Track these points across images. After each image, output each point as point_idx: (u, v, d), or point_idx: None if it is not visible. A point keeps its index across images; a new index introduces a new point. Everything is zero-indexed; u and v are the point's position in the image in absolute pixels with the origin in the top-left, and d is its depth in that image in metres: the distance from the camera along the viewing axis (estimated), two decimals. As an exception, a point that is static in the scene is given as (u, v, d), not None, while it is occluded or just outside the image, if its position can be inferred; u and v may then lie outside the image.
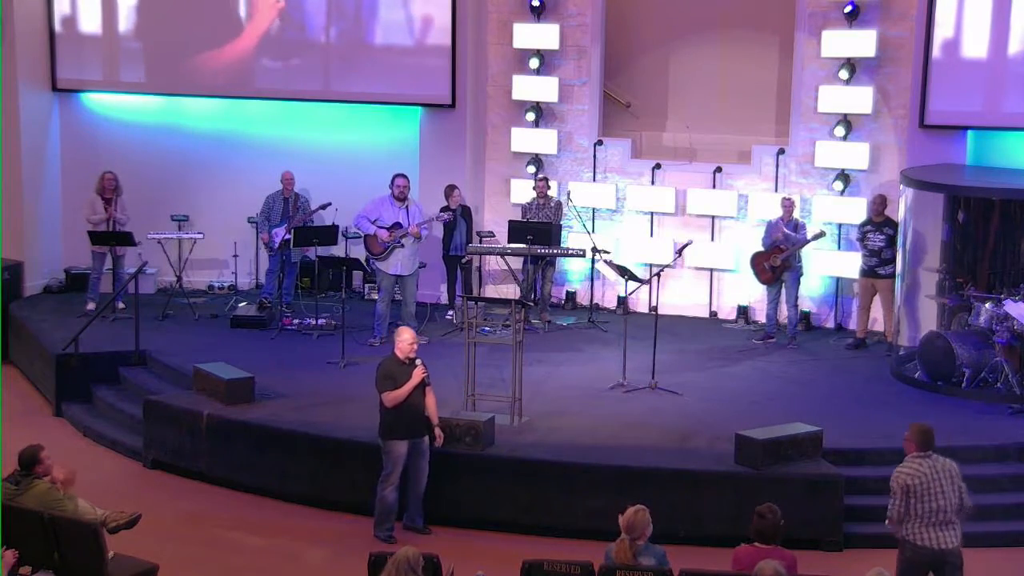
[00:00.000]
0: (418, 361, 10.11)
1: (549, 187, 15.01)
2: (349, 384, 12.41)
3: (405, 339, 10.08)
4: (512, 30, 15.56)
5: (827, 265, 14.76)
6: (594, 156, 15.65)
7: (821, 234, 13.88)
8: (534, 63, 15.52)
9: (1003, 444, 10.96)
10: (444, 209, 14.60)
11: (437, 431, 10.19)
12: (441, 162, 15.60)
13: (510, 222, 14.77)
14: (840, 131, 14.44)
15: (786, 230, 13.86)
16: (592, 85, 15.62)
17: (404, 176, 13.94)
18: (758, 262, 14.05)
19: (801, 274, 14.06)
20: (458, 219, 14.81)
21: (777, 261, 13.84)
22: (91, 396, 13.13)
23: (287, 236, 14.84)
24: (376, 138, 16.12)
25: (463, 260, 14.98)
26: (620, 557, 7.66)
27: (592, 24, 15.47)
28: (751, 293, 14.89)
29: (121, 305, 14.78)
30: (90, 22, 16.23)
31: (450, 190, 14.89)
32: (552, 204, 14.91)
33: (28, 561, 7.95)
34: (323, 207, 14.88)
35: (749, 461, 10.15)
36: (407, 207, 13.84)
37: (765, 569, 7.03)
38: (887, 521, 8.54)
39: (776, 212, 14.13)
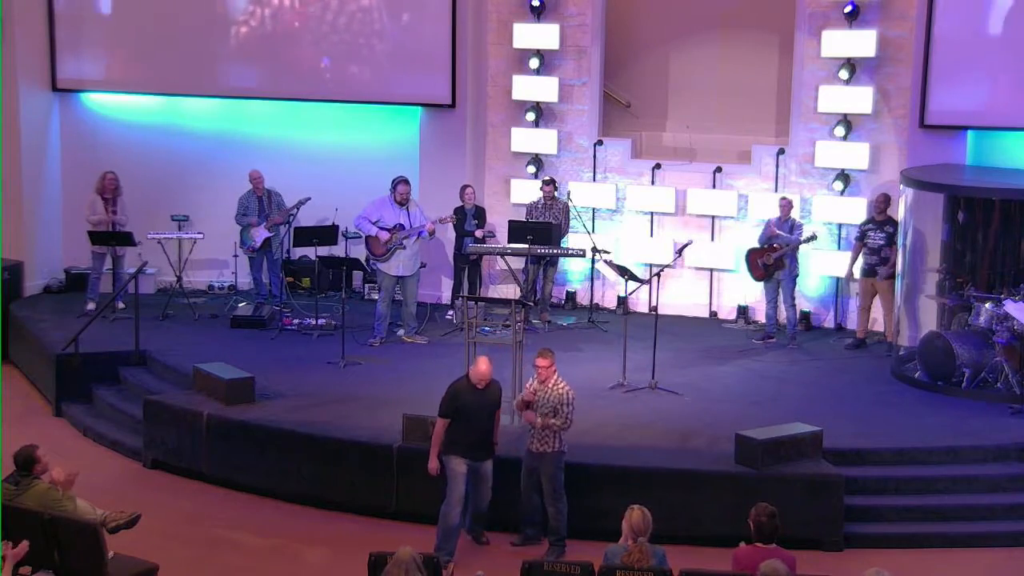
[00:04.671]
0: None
1: (556, 189, 15.01)
2: (349, 384, 12.43)
3: (476, 370, 9.64)
4: (512, 30, 15.56)
5: (827, 265, 14.75)
6: (594, 156, 15.65)
7: (813, 237, 13.88)
8: (534, 63, 15.52)
9: (1003, 444, 10.96)
10: (458, 210, 14.61)
11: (494, 448, 9.91)
12: (441, 162, 15.60)
13: (510, 222, 14.77)
14: (840, 131, 14.43)
15: (777, 230, 13.84)
16: (592, 85, 15.61)
17: (406, 183, 13.92)
18: (752, 259, 14.06)
19: (796, 274, 14.06)
20: (468, 219, 14.81)
21: (770, 259, 13.84)
22: (91, 396, 13.13)
23: (268, 235, 14.89)
24: (376, 138, 16.12)
25: (470, 258, 14.94)
26: (637, 560, 7.65)
27: (592, 24, 15.47)
28: (751, 293, 14.89)
29: (121, 305, 14.78)
30: (90, 22, 16.24)
31: (463, 189, 14.90)
32: (560, 206, 14.90)
33: (28, 561, 7.94)
34: (302, 203, 14.92)
35: (749, 461, 10.14)
36: (408, 209, 13.86)
37: (780, 570, 7.02)
38: (563, 430, 9.65)
39: (777, 212, 14.13)
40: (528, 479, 9.83)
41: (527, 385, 9.97)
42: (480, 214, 15.03)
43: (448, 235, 15.16)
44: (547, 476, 9.72)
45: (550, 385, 9.70)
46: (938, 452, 10.91)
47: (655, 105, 16.07)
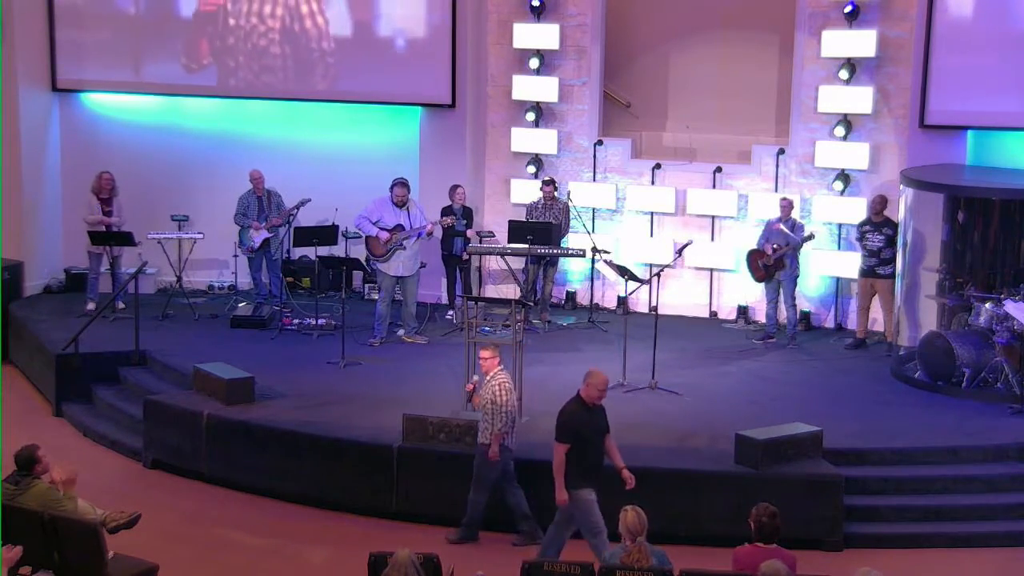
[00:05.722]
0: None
1: (556, 189, 15.01)
2: (349, 384, 12.43)
3: (598, 382, 9.01)
4: (512, 30, 15.55)
5: (827, 265, 14.76)
6: (594, 156, 15.65)
7: (811, 236, 13.88)
8: (534, 63, 15.52)
9: (1003, 444, 10.96)
10: (446, 210, 14.59)
11: (626, 473, 9.10)
12: (441, 162, 15.59)
13: (510, 222, 14.77)
14: (840, 131, 14.43)
15: (783, 227, 13.84)
16: (592, 85, 15.61)
17: (403, 185, 13.89)
18: (753, 260, 14.07)
19: (797, 274, 14.06)
20: (458, 219, 14.81)
21: (770, 260, 13.84)
22: (91, 396, 13.13)
23: (267, 235, 14.92)
24: (376, 138, 16.12)
25: (462, 258, 14.98)
26: (637, 560, 7.65)
27: (592, 24, 15.47)
28: (751, 293, 14.89)
29: (121, 305, 14.78)
30: (90, 22, 16.24)
31: (453, 189, 14.90)
32: (560, 206, 14.91)
33: (28, 561, 7.95)
34: (302, 204, 14.94)
35: (749, 461, 10.15)
36: (408, 209, 13.87)
37: (780, 571, 7.02)
38: (490, 436, 9.69)
39: (777, 212, 14.13)
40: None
41: (473, 378, 10.18)
42: (468, 214, 15.03)
43: (437, 235, 15.12)
44: (475, 465, 9.89)
45: (489, 377, 9.90)
46: (938, 452, 10.91)
47: (655, 105, 16.07)
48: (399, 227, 13.78)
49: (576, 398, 9.07)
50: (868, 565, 7.25)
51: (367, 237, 13.95)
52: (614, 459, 9.21)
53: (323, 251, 15.18)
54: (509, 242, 14.62)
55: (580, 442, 8.89)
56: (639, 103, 16.14)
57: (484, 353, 10.04)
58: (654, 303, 13.16)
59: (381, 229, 13.79)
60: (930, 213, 13.54)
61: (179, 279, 15.38)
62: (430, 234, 14.05)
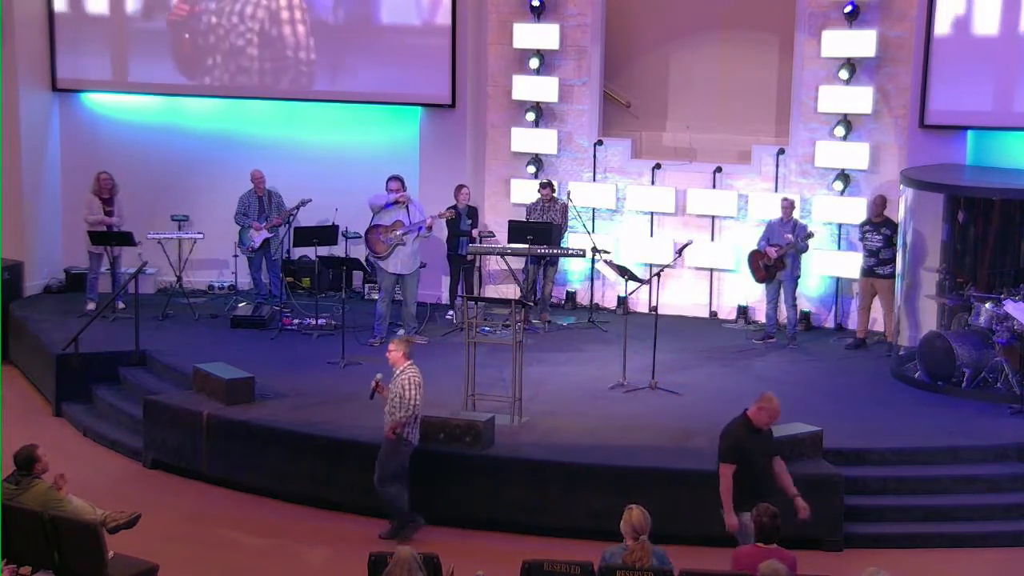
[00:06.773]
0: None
1: (555, 191, 15.01)
2: (349, 384, 12.41)
3: (772, 407, 8.76)
4: (512, 30, 15.55)
5: (827, 265, 14.76)
6: (594, 156, 15.65)
7: (810, 234, 13.88)
8: (534, 63, 15.52)
9: (1003, 444, 10.96)
10: (450, 209, 14.60)
11: (799, 502, 8.68)
12: (441, 162, 15.60)
13: (510, 222, 14.77)
14: (840, 131, 14.43)
15: (790, 237, 13.82)
16: (592, 85, 15.61)
17: (395, 179, 13.91)
18: (754, 260, 14.06)
19: (798, 275, 14.05)
20: (463, 219, 14.82)
21: (770, 260, 13.83)
22: (91, 396, 13.13)
23: (268, 235, 14.92)
24: (376, 138, 16.12)
25: (466, 258, 14.99)
26: (639, 559, 7.64)
27: (592, 24, 15.47)
28: (751, 293, 14.88)
29: (121, 305, 14.78)
30: (90, 22, 16.23)
31: (458, 189, 14.91)
32: (558, 206, 14.91)
33: (28, 561, 7.95)
34: (303, 204, 14.94)
35: (749, 461, 10.14)
36: (407, 205, 13.87)
37: (780, 571, 7.02)
38: (403, 416, 9.85)
39: (777, 212, 14.12)
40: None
41: (377, 375, 10.28)
42: (473, 214, 15.04)
43: (442, 235, 15.13)
44: (379, 459, 10.00)
45: (398, 372, 10.05)
46: (938, 452, 10.92)
47: (655, 105, 16.07)
48: (398, 223, 13.79)
49: (742, 417, 8.87)
50: (868, 565, 7.24)
51: (367, 236, 13.93)
52: (784, 486, 8.78)
53: (323, 251, 15.21)
54: (509, 242, 14.62)
55: (743, 463, 8.60)
56: (639, 103, 16.14)
57: (391, 347, 10.21)
58: (654, 303, 13.15)
59: (380, 225, 13.79)
60: (930, 213, 13.53)
61: (179, 279, 15.38)
62: (430, 228, 14.01)
